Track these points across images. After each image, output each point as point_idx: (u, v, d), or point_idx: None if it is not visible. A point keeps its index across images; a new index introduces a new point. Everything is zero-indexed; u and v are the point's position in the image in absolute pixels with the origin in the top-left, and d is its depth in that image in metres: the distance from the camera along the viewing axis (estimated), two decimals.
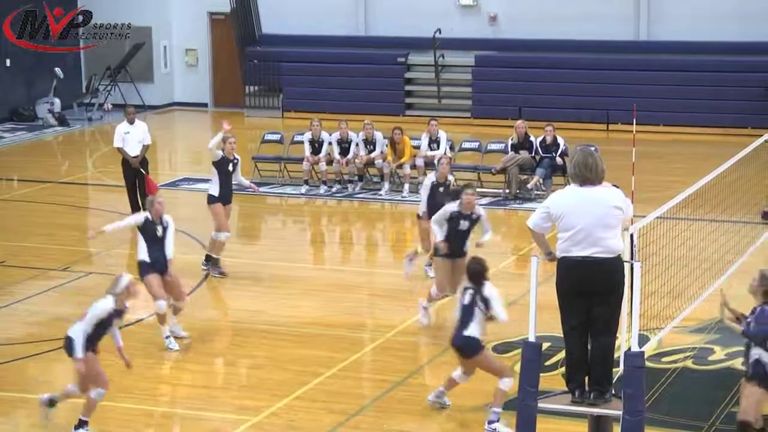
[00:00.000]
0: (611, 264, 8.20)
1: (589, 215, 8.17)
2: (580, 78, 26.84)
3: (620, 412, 8.03)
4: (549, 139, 20.48)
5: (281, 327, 13.66)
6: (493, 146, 21.50)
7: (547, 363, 11.32)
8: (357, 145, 21.05)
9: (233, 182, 15.67)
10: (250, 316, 14.11)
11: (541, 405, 8.24)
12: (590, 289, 8.19)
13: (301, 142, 21.32)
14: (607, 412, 8.21)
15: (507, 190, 20.37)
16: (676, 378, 11.65)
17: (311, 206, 20.37)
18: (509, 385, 10.43)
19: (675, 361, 12.05)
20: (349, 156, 21.04)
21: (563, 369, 8.50)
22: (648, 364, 9.79)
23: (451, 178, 15.06)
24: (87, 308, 10.53)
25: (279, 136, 22.68)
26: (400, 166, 20.82)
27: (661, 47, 27.10)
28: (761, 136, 17.27)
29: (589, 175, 8.26)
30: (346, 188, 21.05)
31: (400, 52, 28.30)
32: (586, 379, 8.30)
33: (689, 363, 12.12)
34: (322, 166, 20.99)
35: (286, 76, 28.85)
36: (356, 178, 21.18)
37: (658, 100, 26.03)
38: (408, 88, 28.55)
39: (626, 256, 8.41)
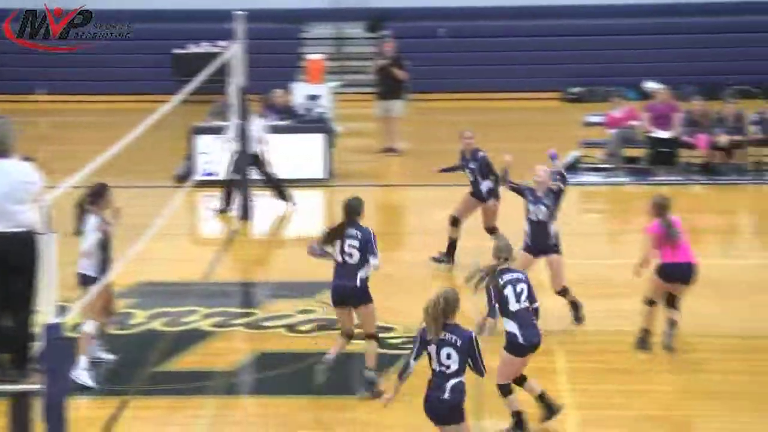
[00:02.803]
0: (22, 238, 8.07)
1: None
2: None
3: (42, 386, 7.91)
4: None
5: None
6: None
7: None
8: None
9: None
10: None
11: None
12: (3, 265, 7.99)
13: None
14: (27, 388, 8.05)
15: None
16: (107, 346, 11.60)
17: None
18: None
19: None
20: None
21: None
22: (70, 334, 9.71)
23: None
24: None
25: None
26: None
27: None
28: (168, 102, 17.73)
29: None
30: None
31: None
32: (7, 357, 8.12)
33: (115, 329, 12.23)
34: None
35: None
36: None
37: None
38: None
39: (42, 229, 8.24)
